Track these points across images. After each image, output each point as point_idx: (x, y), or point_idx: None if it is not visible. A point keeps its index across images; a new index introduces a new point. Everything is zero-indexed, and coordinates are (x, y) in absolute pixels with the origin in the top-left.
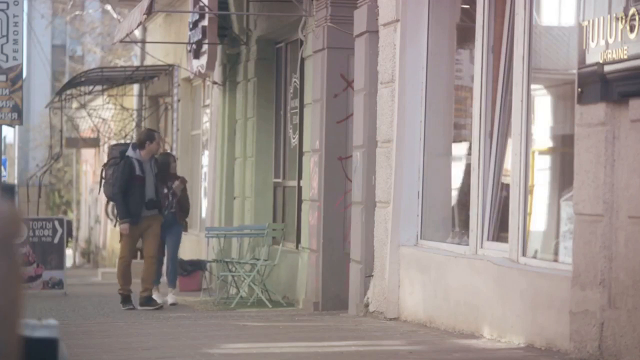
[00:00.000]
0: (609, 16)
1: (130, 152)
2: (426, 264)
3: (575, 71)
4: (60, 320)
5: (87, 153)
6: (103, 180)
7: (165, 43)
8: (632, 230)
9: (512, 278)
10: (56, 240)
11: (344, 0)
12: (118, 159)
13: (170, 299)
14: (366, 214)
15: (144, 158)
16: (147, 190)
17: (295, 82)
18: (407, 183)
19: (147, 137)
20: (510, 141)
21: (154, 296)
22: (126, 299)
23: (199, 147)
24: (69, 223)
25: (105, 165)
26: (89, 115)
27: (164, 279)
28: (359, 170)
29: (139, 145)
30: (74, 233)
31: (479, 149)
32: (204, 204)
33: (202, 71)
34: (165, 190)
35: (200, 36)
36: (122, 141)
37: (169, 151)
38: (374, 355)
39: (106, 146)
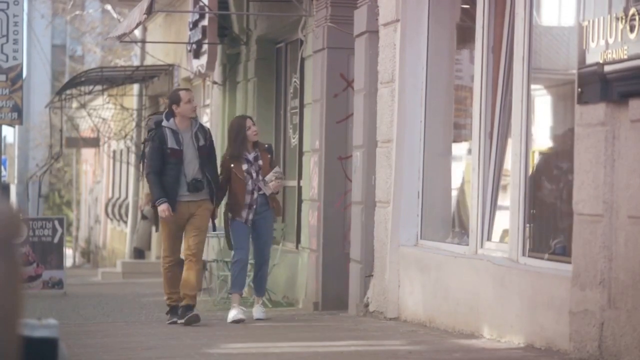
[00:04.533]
0: (609, 16)
1: (163, 122)
2: (426, 264)
3: (575, 71)
4: (60, 320)
5: (87, 153)
6: (145, 160)
7: (165, 43)
8: (632, 230)
9: (512, 278)
10: (56, 240)
11: (344, 0)
12: (153, 131)
13: (256, 312)
14: (366, 214)
15: (180, 127)
16: (186, 167)
17: (295, 82)
18: (407, 183)
19: (172, 99)
20: (510, 141)
21: (234, 307)
22: (174, 310)
23: None
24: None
25: (144, 141)
26: (89, 115)
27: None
28: (359, 170)
29: (169, 111)
30: (74, 233)
31: (479, 149)
32: None
33: (202, 71)
34: (246, 166)
35: (200, 36)
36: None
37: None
38: (374, 355)
39: (106, 146)
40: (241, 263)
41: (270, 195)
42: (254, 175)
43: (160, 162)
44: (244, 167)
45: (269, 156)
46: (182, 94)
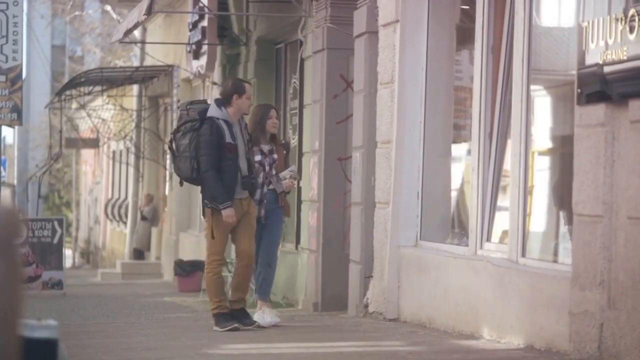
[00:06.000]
0: (608, 17)
1: (214, 112)
2: (426, 265)
3: (574, 72)
4: (59, 320)
5: (87, 153)
6: (174, 155)
7: (165, 44)
8: (632, 230)
9: (512, 279)
10: (55, 240)
11: (344, 0)
12: (197, 122)
13: (256, 317)
14: (366, 215)
15: (232, 119)
16: (240, 163)
17: (294, 82)
18: (407, 183)
19: (235, 88)
20: (509, 142)
21: (265, 314)
22: (225, 317)
23: None
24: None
25: (175, 132)
26: (89, 115)
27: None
28: (359, 171)
29: (224, 100)
30: (73, 233)
31: (479, 150)
32: None
33: (202, 72)
34: (259, 157)
35: (199, 37)
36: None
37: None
38: (374, 356)
39: (106, 147)
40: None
41: (280, 194)
42: (267, 168)
43: (218, 157)
44: (257, 157)
45: (285, 152)
46: (247, 86)
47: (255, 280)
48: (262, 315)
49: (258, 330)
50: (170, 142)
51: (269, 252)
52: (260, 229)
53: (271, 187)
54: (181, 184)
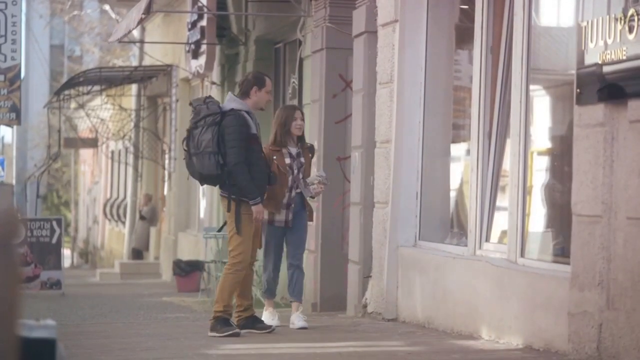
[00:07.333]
0: (607, 17)
1: (235, 104)
2: (425, 265)
3: (574, 72)
4: (58, 320)
5: (86, 153)
6: (191, 154)
7: (164, 43)
8: (631, 231)
9: (511, 279)
10: (54, 240)
11: (343, 0)
12: (218, 115)
13: (297, 320)
14: (364, 215)
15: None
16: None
17: (293, 82)
18: (406, 183)
19: (256, 80)
20: (509, 142)
21: (266, 311)
22: (225, 322)
23: None
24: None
25: (192, 129)
26: (87, 115)
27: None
28: (358, 171)
29: (242, 93)
30: (72, 233)
31: (478, 150)
32: (202, 205)
33: (201, 71)
34: (288, 160)
35: (198, 36)
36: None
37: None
38: (372, 356)
39: (104, 146)
40: (270, 272)
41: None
42: (295, 171)
43: (246, 150)
44: (287, 160)
45: (310, 156)
46: (268, 80)
47: (288, 283)
48: (300, 316)
49: (252, 331)
50: (185, 140)
51: (296, 254)
52: (285, 233)
53: (298, 190)
54: (202, 183)
